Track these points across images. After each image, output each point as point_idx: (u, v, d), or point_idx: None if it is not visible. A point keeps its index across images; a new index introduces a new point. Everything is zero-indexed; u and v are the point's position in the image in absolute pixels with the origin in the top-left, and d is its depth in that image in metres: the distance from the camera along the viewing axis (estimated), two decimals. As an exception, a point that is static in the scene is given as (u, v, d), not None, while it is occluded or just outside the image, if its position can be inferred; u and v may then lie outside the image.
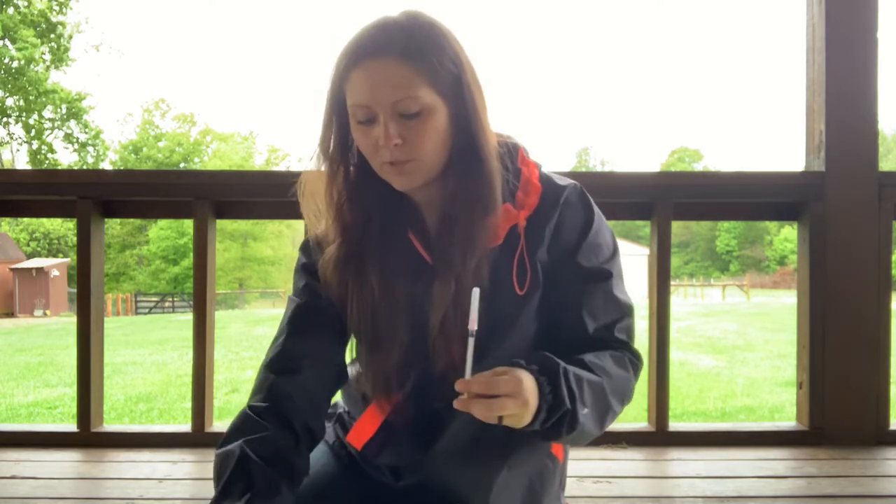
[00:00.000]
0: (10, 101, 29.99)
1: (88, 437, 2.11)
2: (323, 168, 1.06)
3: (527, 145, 1.13)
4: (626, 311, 1.09)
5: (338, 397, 1.22)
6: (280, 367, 1.09)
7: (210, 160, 44.10)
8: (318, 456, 1.14)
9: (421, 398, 1.06)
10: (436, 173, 1.02)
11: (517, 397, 0.87)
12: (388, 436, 1.08)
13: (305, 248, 1.17)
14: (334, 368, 1.11)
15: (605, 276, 1.07)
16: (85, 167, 31.43)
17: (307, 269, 1.14)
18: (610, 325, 1.07)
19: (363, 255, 1.05)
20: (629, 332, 1.10)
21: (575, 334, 1.06)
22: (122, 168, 37.86)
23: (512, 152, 1.08)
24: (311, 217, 1.12)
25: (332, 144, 1.04)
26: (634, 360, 1.09)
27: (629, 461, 1.96)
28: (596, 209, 1.10)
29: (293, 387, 1.07)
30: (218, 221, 2.23)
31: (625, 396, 1.05)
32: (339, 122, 1.03)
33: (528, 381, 0.89)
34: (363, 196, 1.06)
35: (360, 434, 1.11)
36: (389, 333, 1.05)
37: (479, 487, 0.99)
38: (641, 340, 1.17)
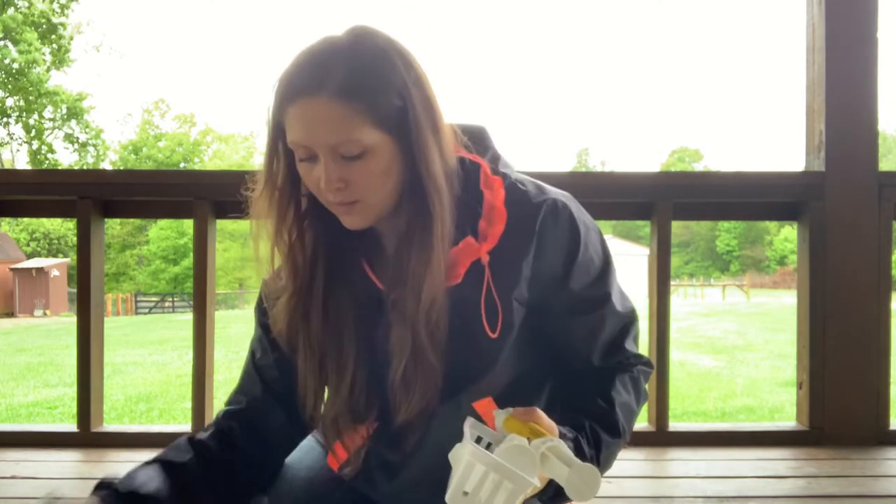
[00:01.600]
0: (10, 102, 30.01)
1: (88, 437, 2.11)
2: (271, 201, 0.96)
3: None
4: (629, 320, 1.04)
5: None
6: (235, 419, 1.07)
7: (210, 160, 44.11)
8: (322, 460, 1.13)
9: (378, 449, 1.02)
10: (388, 209, 0.94)
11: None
12: (361, 463, 1.04)
13: (259, 303, 1.09)
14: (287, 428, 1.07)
15: (604, 300, 1.00)
16: (85, 167, 31.45)
17: (263, 325, 1.08)
18: (619, 342, 1.03)
19: (309, 294, 0.98)
20: (636, 342, 1.07)
21: (582, 362, 1.03)
22: (122, 168, 37.87)
23: (472, 175, 0.97)
24: (261, 259, 1.01)
25: (280, 176, 0.95)
26: (645, 370, 1.07)
27: (629, 461, 1.96)
28: (580, 223, 0.97)
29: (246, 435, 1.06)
30: (218, 221, 2.23)
31: (634, 415, 1.04)
32: (286, 150, 0.93)
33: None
34: (314, 229, 0.97)
35: (334, 457, 1.07)
36: (339, 370, 0.98)
37: None
38: (642, 340, 1.16)
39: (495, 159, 1.01)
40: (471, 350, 0.94)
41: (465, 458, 0.74)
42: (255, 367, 1.08)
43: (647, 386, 1.08)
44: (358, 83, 0.87)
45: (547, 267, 0.95)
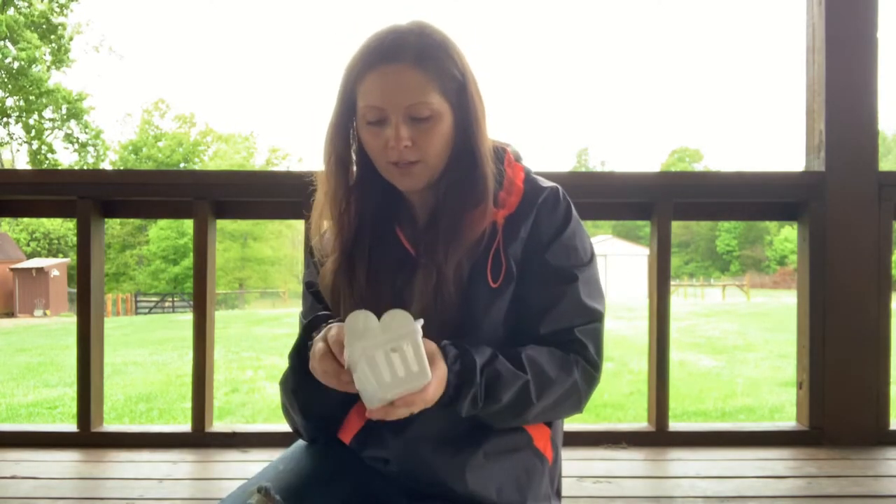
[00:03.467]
0: (10, 102, 30.02)
1: (88, 437, 2.12)
2: (331, 169, 1.09)
3: (521, 150, 1.17)
4: (592, 316, 1.09)
5: None
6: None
7: (210, 160, 44.12)
8: (310, 448, 1.14)
9: None
10: (436, 175, 1.08)
11: (427, 403, 0.92)
12: (371, 429, 1.10)
13: (308, 263, 1.22)
14: None
15: (571, 278, 1.08)
16: (85, 167, 31.45)
17: (310, 287, 1.19)
18: (570, 328, 1.07)
19: (354, 255, 1.10)
20: (594, 336, 1.09)
21: (530, 331, 1.08)
22: (122, 168, 37.88)
23: (499, 155, 1.13)
24: (316, 220, 1.15)
25: (341, 146, 1.09)
26: (587, 367, 1.08)
27: (629, 461, 1.96)
28: (574, 214, 1.12)
29: None
30: (218, 221, 2.23)
31: (552, 393, 1.04)
32: (348, 124, 1.08)
33: (437, 384, 0.92)
34: (361, 196, 1.10)
35: (347, 430, 1.13)
36: None
37: (456, 469, 1.04)
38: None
39: (518, 156, 1.17)
40: (472, 300, 1.05)
41: (358, 358, 0.84)
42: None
43: (584, 391, 1.08)
44: (430, 55, 1.02)
45: (536, 235, 1.08)
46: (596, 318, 1.10)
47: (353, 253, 1.10)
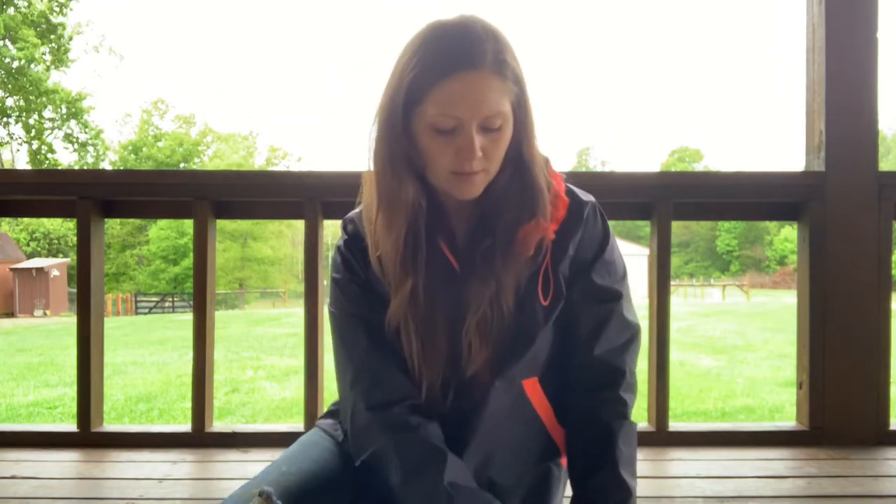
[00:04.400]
0: (10, 102, 30.00)
1: (88, 437, 2.11)
2: (396, 171, 1.01)
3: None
4: (634, 332, 1.12)
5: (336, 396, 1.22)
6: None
7: (210, 160, 44.09)
8: (313, 450, 1.14)
9: (445, 401, 1.08)
10: (488, 183, 1.04)
11: None
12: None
13: (347, 258, 1.11)
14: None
15: (615, 296, 1.09)
16: (85, 167, 31.44)
17: (364, 317, 1.09)
18: (619, 349, 1.10)
19: (414, 267, 1.04)
20: (635, 356, 1.12)
21: (582, 353, 1.10)
22: (121, 168, 37.86)
23: (545, 164, 1.10)
24: (374, 234, 1.07)
25: (409, 147, 1.01)
26: (629, 396, 1.11)
27: (629, 461, 1.96)
28: (609, 228, 1.12)
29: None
30: (218, 221, 2.23)
31: (634, 463, 1.11)
32: (408, 131, 1.00)
33: None
34: (414, 205, 1.04)
35: None
36: (432, 342, 1.05)
37: (499, 493, 1.06)
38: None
39: (552, 168, 1.13)
40: (524, 316, 1.04)
41: None
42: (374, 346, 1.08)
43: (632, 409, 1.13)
44: (506, 62, 0.96)
45: (582, 252, 1.08)
46: (636, 332, 1.12)
47: (413, 264, 1.03)
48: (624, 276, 1.11)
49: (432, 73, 0.95)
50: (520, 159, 1.02)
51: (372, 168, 1.04)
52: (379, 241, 1.06)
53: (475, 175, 0.99)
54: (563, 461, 1.15)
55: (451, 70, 0.94)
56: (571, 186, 1.11)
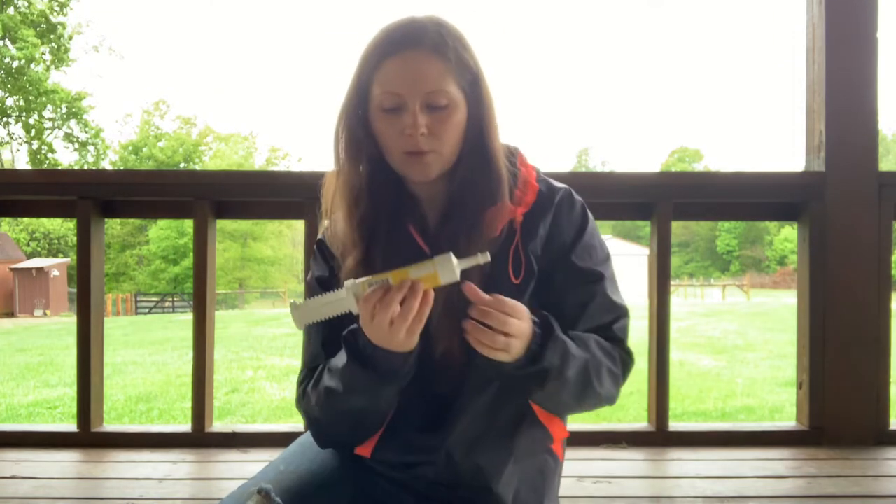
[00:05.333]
0: (10, 101, 30.01)
1: (88, 437, 2.11)
2: (347, 152, 1.07)
3: (526, 152, 1.18)
4: (622, 312, 1.12)
5: None
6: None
7: (210, 160, 44.10)
8: (312, 449, 1.14)
9: (421, 386, 1.07)
10: (448, 167, 1.07)
11: (519, 340, 0.93)
12: (393, 434, 1.09)
13: (317, 256, 1.17)
14: None
15: (598, 277, 1.10)
16: (85, 167, 31.45)
17: (321, 281, 1.14)
18: (606, 325, 1.10)
19: (373, 252, 1.07)
20: (625, 332, 1.13)
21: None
22: (122, 168, 37.87)
23: (513, 154, 1.14)
24: (325, 215, 1.14)
25: (358, 130, 1.07)
26: (626, 358, 1.11)
27: (629, 461, 1.96)
28: (590, 214, 1.14)
29: None
30: (218, 221, 2.23)
31: (604, 380, 1.05)
32: (362, 110, 1.06)
33: (526, 328, 0.95)
34: (374, 190, 1.08)
35: (367, 443, 1.11)
36: None
37: (488, 478, 1.05)
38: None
39: (525, 159, 1.17)
40: (495, 292, 1.02)
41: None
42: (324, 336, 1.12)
43: (622, 380, 1.11)
44: (448, 44, 1.02)
45: (556, 235, 1.10)
46: (624, 313, 1.12)
47: (371, 249, 1.07)
48: (607, 259, 1.13)
49: (378, 54, 1.02)
50: (481, 148, 1.06)
51: (334, 160, 1.09)
52: (339, 231, 1.10)
53: (425, 155, 1.03)
54: (559, 451, 1.14)
55: (392, 50, 1.01)
56: (547, 177, 1.15)
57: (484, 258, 0.94)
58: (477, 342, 0.93)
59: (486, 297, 0.93)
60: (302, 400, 1.11)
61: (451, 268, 0.91)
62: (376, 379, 0.98)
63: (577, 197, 1.14)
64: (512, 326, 0.92)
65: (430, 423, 1.07)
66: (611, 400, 1.10)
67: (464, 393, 1.06)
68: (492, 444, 1.06)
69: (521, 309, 0.95)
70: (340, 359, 1.01)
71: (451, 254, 0.93)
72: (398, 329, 0.91)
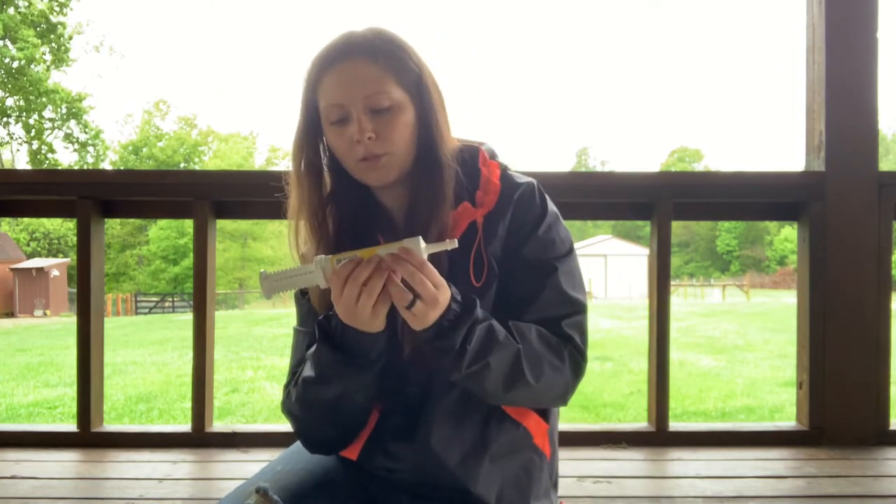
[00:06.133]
0: (10, 101, 30.00)
1: (88, 437, 2.12)
2: (303, 175, 1.09)
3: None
4: (577, 308, 1.09)
5: None
6: None
7: (210, 160, 44.11)
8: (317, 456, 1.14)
9: (395, 392, 1.07)
10: (407, 168, 1.07)
11: (428, 306, 0.92)
12: (376, 442, 1.09)
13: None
14: None
15: (550, 269, 1.07)
16: (85, 167, 31.45)
17: (305, 294, 1.15)
18: (556, 319, 1.07)
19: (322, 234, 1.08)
20: (579, 328, 1.09)
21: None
22: (122, 168, 37.85)
23: (472, 155, 1.13)
24: (295, 228, 1.13)
25: (311, 152, 1.09)
26: (576, 355, 1.08)
27: (629, 461, 1.96)
28: (551, 207, 1.12)
29: None
30: (218, 221, 2.23)
31: (543, 374, 1.02)
32: (315, 131, 1.08)
33: (442, 299, 0.93)
34: (339, 205, 1.10)
35: (352, 446, 1.11)
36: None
37: (465, 479, 1.03)
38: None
39: (493, 153, 1.16)
40: None
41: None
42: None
43: (571, 379, 1.07)
44: (383, 49, 1.03)
45: (514, 231, 1.09)
46: (579, 309, 1.09)
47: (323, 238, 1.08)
48: (567, 254, 1.10)
49: (316, 72, 1.04)
50: (430, 151, 1.06)
51: (293, 176, 1.10)
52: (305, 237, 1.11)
53: (378, 159, 1.03)
54: (545, 446, 1.12)
55: (328, 64, 1.03)
56: (513, 173, 1.14)
57: (452, 244, 0.93)
58: (390, 294, 0.92)
59: (415, 256, 0.91)
60: (285, 402, 1.11)
61: (418, 250, 0.92)
62: (346, 361, 0.98)
63: (538, 190, 1.12)
64: (423, 287, 0.90)
65: (402, 430, 1.07)
66: (556, 399, 1.07)
67: (431, 397, 1.05)
68: (461, 446, 1.04)
69: (440, 280, 0.93)
70: (315, 346, 1.02)
71: (421, 237, 0.93)
72: (364, 305, 0.92)
